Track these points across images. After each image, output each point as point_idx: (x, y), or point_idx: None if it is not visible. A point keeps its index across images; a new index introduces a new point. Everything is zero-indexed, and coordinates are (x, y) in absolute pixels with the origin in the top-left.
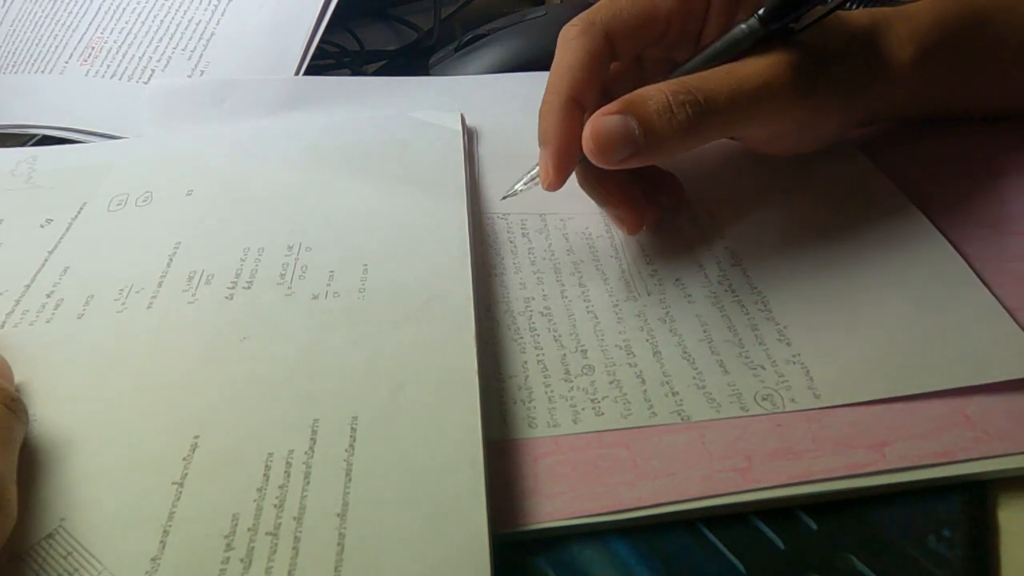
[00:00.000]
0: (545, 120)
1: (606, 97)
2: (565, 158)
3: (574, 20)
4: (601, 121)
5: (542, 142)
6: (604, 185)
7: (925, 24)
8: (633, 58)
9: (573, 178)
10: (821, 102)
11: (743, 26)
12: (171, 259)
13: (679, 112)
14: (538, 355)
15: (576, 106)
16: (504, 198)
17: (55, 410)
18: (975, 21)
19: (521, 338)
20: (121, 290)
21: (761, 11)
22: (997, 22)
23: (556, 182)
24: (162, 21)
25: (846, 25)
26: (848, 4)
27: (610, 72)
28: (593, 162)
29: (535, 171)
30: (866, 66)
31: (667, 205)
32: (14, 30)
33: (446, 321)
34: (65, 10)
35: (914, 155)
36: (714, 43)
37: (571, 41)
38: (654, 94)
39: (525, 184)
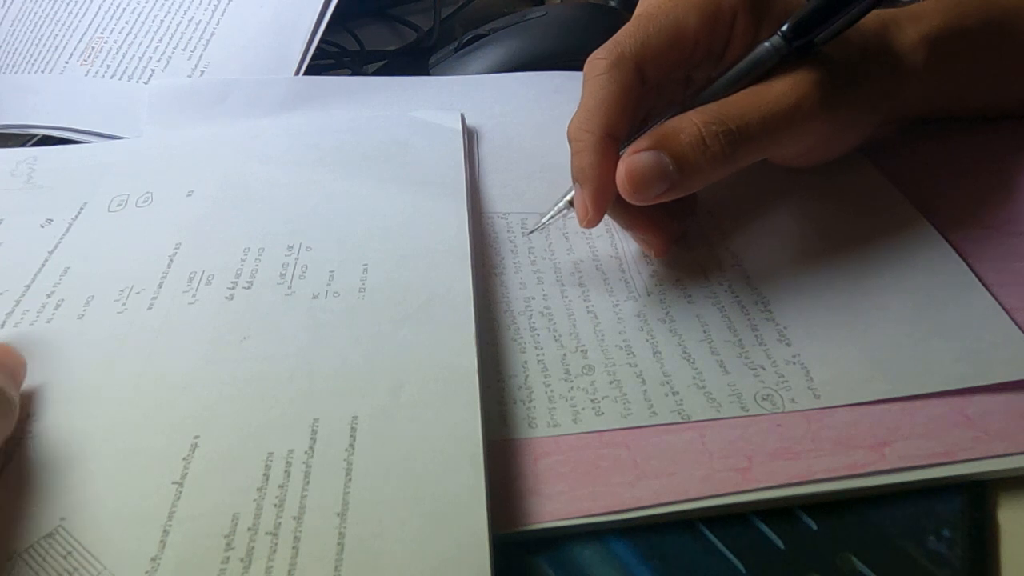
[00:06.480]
0: (581, 158)
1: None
2: (604, 196)
3: (600, 52)
4: (634, 160)
5: (579, 181)
6: (629, 210)
7: (935, 26)
8: (656, 82)
9: None
10: (850, 116)
11: (767, 44)
12: (171, 259)
13: (712, 144)
14: (538, 355)
15: (612, 142)
16: (531, 232)
17: (55, 410)
18: (986, 20)
19: (521, 338)
20: (121, 291)
21: (784, 28)
22: (1009, 20)
23: (595, 220)
24: (162, 21)
25: (861, 34)
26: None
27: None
28: (628, 201)
29: (562, 203)
30: (888, 74)
31: (686, 212)
32: (14, 30)
33: (446, 321)
34: (65, 10)
35: (913, 156)
36: (737, 63)
37: (601, 76)
38: (685, 126)
39: (552, 218)
